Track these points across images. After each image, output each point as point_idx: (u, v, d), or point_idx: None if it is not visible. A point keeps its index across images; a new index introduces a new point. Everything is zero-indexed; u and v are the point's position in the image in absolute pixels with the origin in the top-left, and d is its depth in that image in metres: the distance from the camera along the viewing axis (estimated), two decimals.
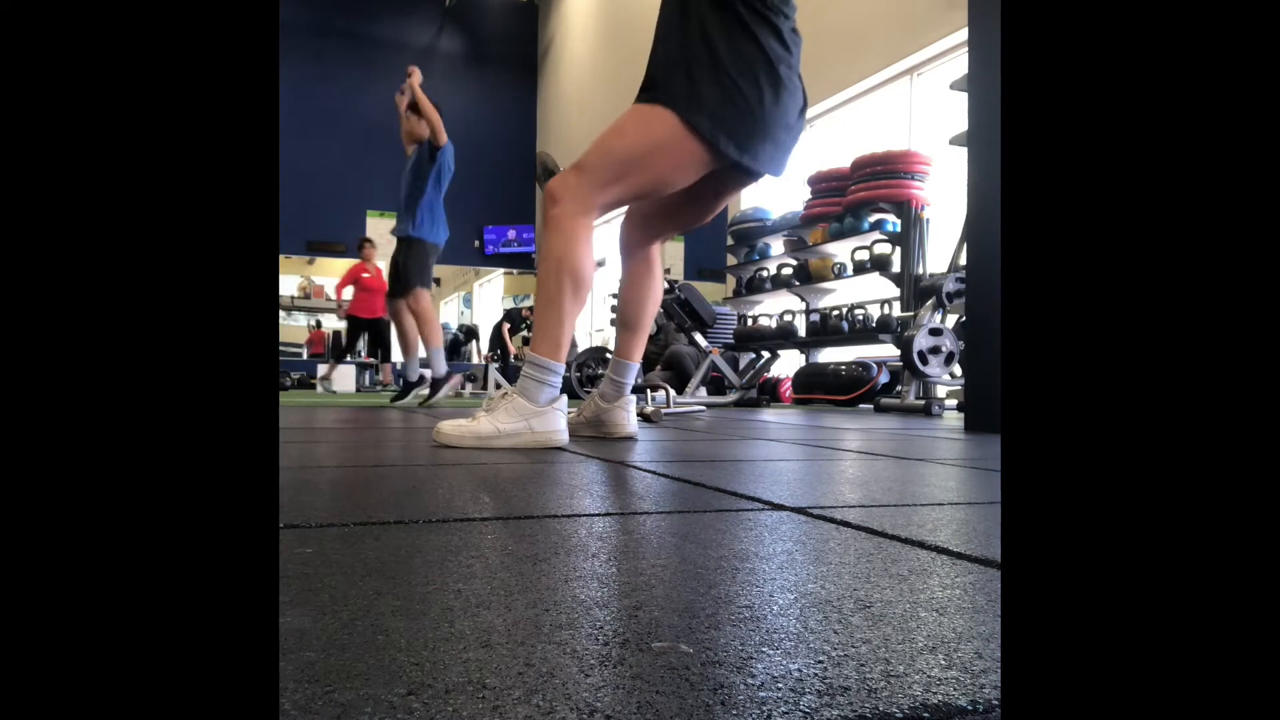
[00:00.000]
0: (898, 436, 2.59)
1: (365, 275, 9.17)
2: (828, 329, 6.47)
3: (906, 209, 5.99)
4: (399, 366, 5.18)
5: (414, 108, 4.65)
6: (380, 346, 9.72)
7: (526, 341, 11.08)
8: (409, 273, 4.70)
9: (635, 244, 2.31)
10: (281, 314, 13.19)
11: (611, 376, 2.30)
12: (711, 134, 1.89)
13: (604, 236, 6.96)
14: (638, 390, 4.37)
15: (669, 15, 2.00)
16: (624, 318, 2.32)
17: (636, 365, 2.33)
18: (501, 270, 14.45)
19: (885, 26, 6.67)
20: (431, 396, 4.69)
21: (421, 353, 4.84)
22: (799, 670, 0.43)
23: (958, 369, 4.55)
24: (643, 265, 2.32)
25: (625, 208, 2.19)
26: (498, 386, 6.75)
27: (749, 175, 2.09)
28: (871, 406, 5.55)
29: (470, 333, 14.80)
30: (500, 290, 15.15)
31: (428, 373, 4.80)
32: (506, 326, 11.90)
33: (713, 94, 1.88)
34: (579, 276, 1.96)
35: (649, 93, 1.95)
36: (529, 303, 11.96)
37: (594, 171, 1.95)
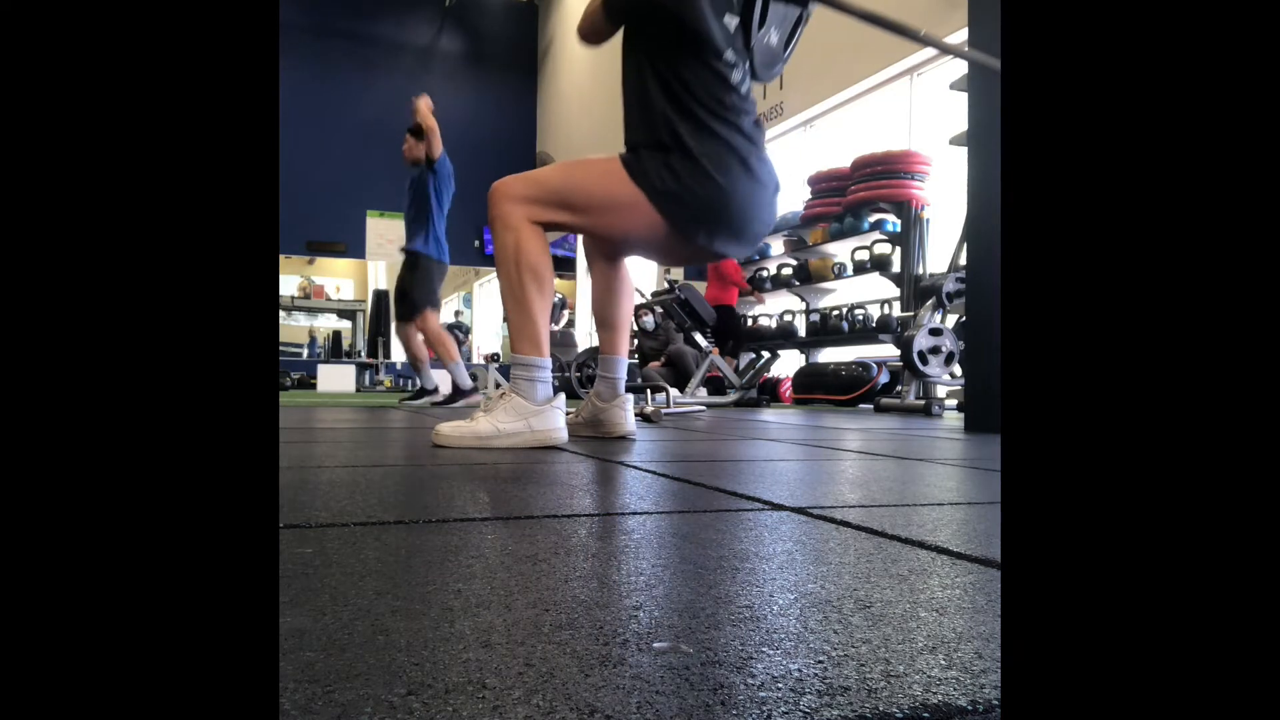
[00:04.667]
0: (898, 436, 2.59)
1: None
2: (828, 329, 6.47)
3: (906, 209, 5.99)
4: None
5: (415, 132, 4.71)
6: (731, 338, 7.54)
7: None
8: (415, 294, 4.74)
9: (597, 259, 2.31)
10: (281, 314, 13.18)
11: (603, 374, 2.30)
12: (685, 227, 1.94)
13: None
14: (638, 390, 4.38)
15: (633, 104, 2.02)
16: (600, 318, 2.34)
17: (624, 359, 2.34)
18: None
19: None
20: (450, 402, 4.73)
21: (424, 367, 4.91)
22: (799, 670, 0.43)
23: (958, 369, 4.55)
24: (609, 271, 2.31)
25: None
26: (497, 386, 6.75)
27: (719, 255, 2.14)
28: (871, 406, 5.55)
29: (465, 330, 14.75)
30: (500, 290, 15.12)
31: (444, 383, 4.86)
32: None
33: (685, 184, 1.91)
34: (538, 270, 1.97)
35: (629, 155, 1.97)
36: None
37: (542, 192, 1.96)
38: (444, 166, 4.77)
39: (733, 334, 6.56)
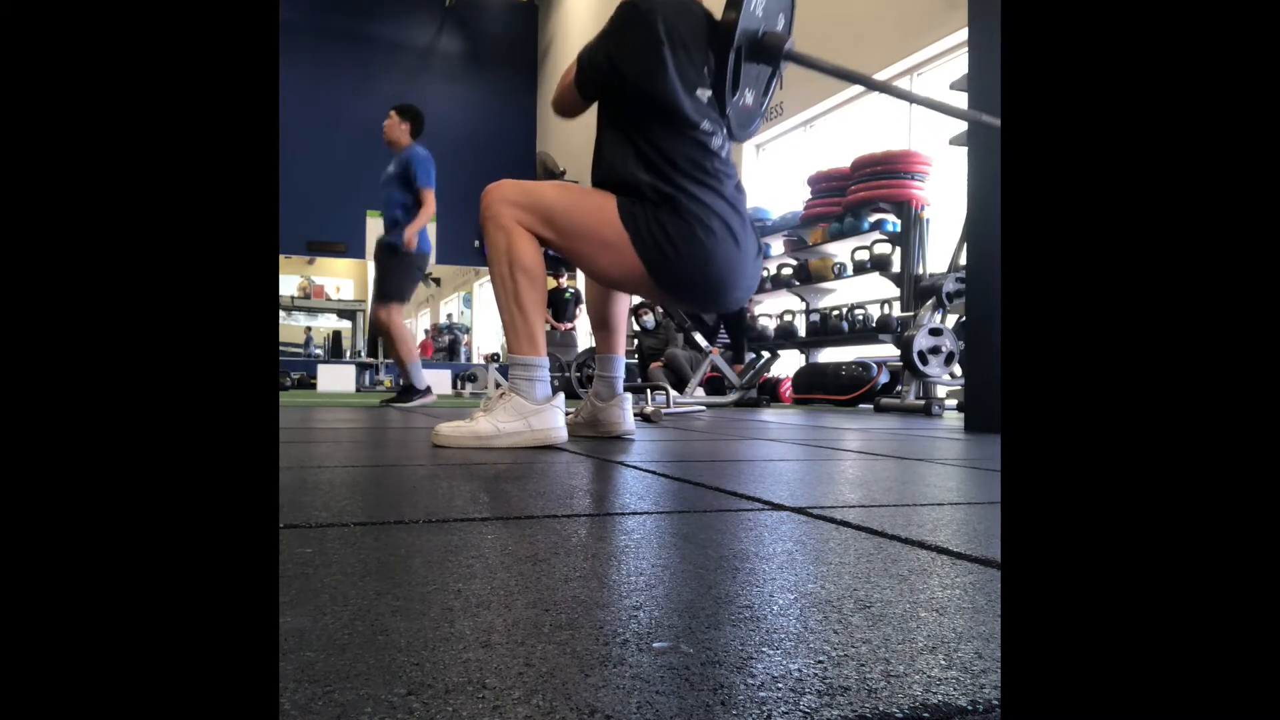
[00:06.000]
0: (898, 436, 2.59)
1: None
2: (828, 329, 6.47)
3: (906, 209, 5.99)
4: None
5: (401, 111, 4.70)
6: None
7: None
8: (390, 283, 4.66)
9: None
10: (281, 314, 13.17)
11: (600, 374, 2.31)
12: (661, 279, 1.96)
13: None
14: (637, 390, 4.37)
15: (611, 175, 2.01)
16: (596, 319, 2.35)
17: (621, 358, 2.35)
18: None
19: (885, 26, 6.67)
20: (402, 402, 4.66)
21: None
22: (799, 670, 0.43)
23: (958, 369, 4.55)
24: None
25: None
26: (497, 386, 6.75)
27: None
28: (871, 406, 5.55)
29: (463, 330, 14.75)
30: (493, 291, 15.11)
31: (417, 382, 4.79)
32: None
33: (672, 240, 1.92)
34: (531, 270, 1.98)
35: (626, 200, 1.97)
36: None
37: (533, 202, 1.97)
38: (422, 150, 4.72)
39: (737, 339, 6.49)
